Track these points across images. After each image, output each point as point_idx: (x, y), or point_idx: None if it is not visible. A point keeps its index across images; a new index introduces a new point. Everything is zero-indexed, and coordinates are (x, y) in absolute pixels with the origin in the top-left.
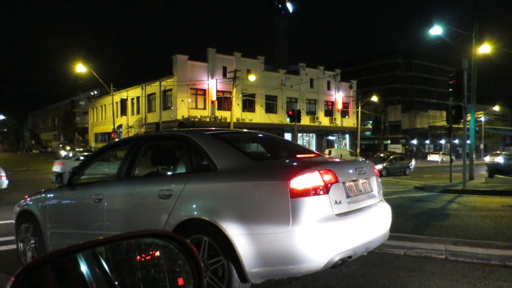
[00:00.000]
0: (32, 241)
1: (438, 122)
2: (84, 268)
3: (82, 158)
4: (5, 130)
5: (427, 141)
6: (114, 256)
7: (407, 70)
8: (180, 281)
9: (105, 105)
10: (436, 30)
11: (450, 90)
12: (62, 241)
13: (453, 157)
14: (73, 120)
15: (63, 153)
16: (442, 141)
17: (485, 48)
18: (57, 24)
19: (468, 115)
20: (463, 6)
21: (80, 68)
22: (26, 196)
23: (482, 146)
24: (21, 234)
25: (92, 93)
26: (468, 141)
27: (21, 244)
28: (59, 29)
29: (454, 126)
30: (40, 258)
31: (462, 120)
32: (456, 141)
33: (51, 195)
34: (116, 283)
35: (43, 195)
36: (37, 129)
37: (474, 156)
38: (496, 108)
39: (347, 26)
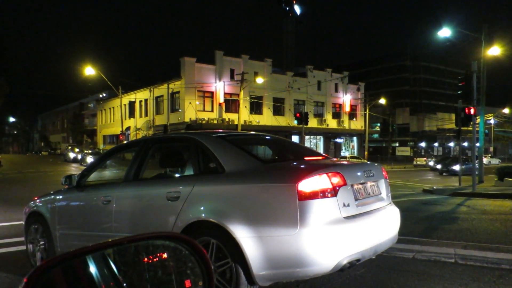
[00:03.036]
0: (41, 242)
1: (447, 124)
2: (93, 269)
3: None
4: (15, 132)
5: (436, 144)
6: (122, 258)
7: (415, 72)
8: (188, 283)
9: (113, 107)
10: (444, 32)
11: (459, 92)
12: (70, 243)
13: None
14: (82, 122)
15: (71, 155)
16: (451, 144)
17: (494, 50)
18: (66, 27)
19: (477, 117)
20: (472, 7)
21: (89, 71)
22: (36, 198)
23: (491, 149)
24: (30, 235)
25: (100, 96)
26: (478, 144)
27: (31, 245)
28: (68, 32)
29: (463, 128)
30: (51, 259)
31: (471, 123)
32: (465, 144)
33: (60, 197)
34: (125, 284)
35: (52, 196)
36: (46, 131)
37: (483, 159)
38: (506, 110)
39: (355, 29)
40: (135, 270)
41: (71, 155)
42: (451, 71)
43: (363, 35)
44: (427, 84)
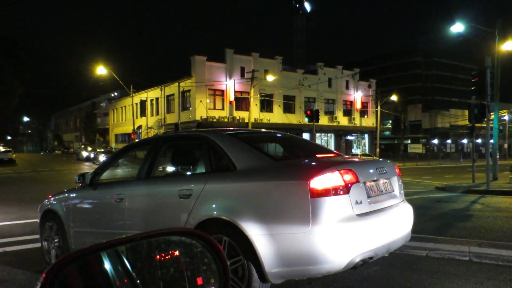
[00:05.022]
0: (56, 240)
1: (460, 121)
2: (107, 266)
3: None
4: (29, 131)
5: (449, 141)
6: (135, 255)
7: (427, 68)
8: (199, 281)
9: (125, 106)
10: (457, 27)
11: (472, 88)
12: (84, 240)
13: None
14: (94, 121)
15: (84, 153)
16: (464, 141)
17: (509, 45)
18: (78, 27)
19: (491, 113)
20: (485, 2)
21: (101, 70)
22: (50, 196)
23: (506, 145)
24: (45, 232)
25: (112, 95)
26: (492, 141)
27: (45, 242)
28: (80, 32)
29: (477, 125)
30: (68, 256)
31: (485, 119)
32: (479, 141)
33: (74, 195)
34: (138, 281)
35: (66, 194)
36: (59, 130)
37: (497, 156)
38: None
39: (366, 25)
40: (148, 267)
41: (84, 153)
42: (464, 67)
43: (375, 31)
44: (440, 80)
